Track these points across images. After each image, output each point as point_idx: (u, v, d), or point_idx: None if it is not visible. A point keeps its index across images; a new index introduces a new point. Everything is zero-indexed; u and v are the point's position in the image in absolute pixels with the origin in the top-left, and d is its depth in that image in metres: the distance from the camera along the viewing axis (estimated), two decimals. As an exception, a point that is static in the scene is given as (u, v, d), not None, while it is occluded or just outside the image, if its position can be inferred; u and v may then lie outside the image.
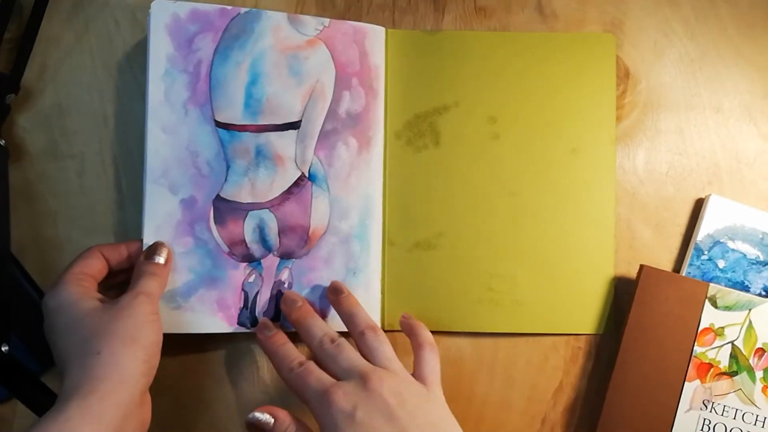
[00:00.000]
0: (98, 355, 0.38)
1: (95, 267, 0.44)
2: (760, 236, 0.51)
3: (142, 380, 0.39)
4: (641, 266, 0.50)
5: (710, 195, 0.51)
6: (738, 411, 0.49)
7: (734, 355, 0.49)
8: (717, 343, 0.49)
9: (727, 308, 0.49)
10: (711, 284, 0.49)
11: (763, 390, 0.49)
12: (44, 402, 0.44)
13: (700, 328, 0.49)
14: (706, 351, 0.49)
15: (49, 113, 0.51)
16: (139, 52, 0.52)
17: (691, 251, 0.51)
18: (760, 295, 0.50)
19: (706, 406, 0.49)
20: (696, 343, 0.49)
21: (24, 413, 0.47)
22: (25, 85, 0.51)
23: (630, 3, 0.54)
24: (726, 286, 0.50)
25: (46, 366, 0.50)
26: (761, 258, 0.51)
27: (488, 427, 0.51)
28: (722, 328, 0.49)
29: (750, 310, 0.49)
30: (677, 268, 0.52)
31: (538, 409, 0.51)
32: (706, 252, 0.51)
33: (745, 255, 0.51)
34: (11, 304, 0.46)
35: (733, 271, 0.51)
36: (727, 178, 0.53)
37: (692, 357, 0.49)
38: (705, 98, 0.53)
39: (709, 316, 0.49)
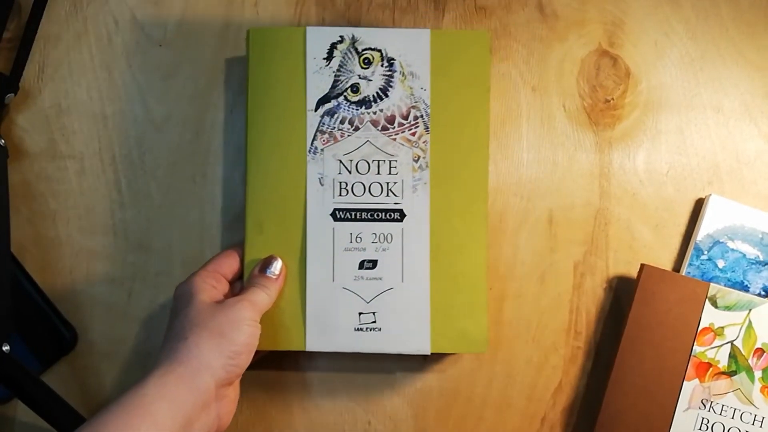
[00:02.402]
0: (185, 340, 0.40)
1: (227, 266, 0.46)
2: (760, 236, 0.51)
3: (220, 373, 0.40)
4: (642, 265, 0.50)
5: (710, 195, 0.51)
6: (736, 411, 0.49)
7: (733, 355, 0.49)
8: (716, 342, 0.49)
9: (727, 308, 0.49)
10: (711, 284, 0.49)
11: (762, 390, 0.49)
12: (45, 401, 0.45)
13: (700, 328, 0.49)
14: (706, 350, 0.49)
15: (49, 113, 0.51)
16: (139, 51, 0.52)
17: (690, 251, 0.51)
18: (759, 295, 0.50)
19: (705, 406, 0.49)
20: (695, 343, 0.49)
21: (25, 413, 0.47)
22: (24, 85, 0.51)
23: (631, 2, 0.54)
24: (725, 286, 0.50)
25: (47, 365, 0.50)
26: (761, 258, 0.51)
27: (488, 427, 0.51)
28: (722, 327, 0.49)
29: (750, 310, 0.49)
30: (677, 268, 0.52)
31: (538, 409, 0.52)
32: (705, 252, 0.51)
33: (744, 255, 0.51)
34: (12, 304, 0.46)
35: (733, 271, 0.51)
36: (727, 178, 0.53)
37: (691, 356, 0.49)
38: (705, 98, 0.53)
39: (709, 316, 0.49)
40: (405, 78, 0.48)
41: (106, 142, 0.51)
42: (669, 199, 0.53)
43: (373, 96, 0.48)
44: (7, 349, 0.45)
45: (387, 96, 0.48)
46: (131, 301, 0.51)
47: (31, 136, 0.51)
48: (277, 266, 0.46)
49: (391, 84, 0.48)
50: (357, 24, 0.53)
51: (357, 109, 0.48)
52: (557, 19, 0.53)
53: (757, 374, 0.49)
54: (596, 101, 0.53)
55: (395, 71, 0.48)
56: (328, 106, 0.48)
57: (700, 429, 0.49)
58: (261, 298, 0.44)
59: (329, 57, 0.48)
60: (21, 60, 0.50)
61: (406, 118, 0.48)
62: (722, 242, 0.51)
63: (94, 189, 0.51)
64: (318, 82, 0.47)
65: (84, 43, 0.52)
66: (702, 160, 0.53)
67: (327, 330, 0.47)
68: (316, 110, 0.47)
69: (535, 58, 0.53)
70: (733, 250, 0.51)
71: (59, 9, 0.52)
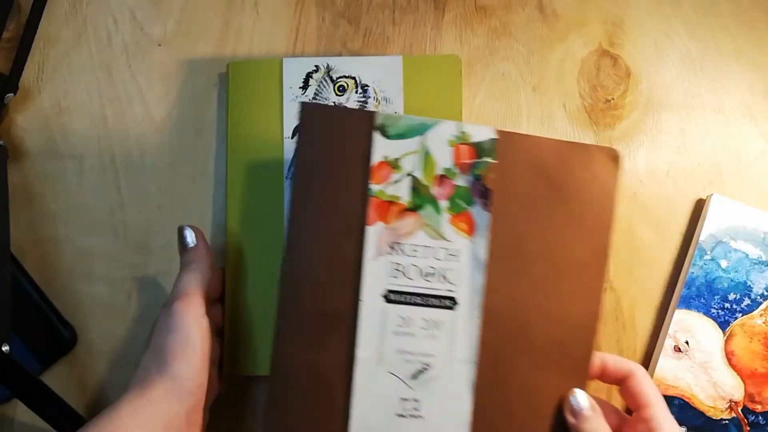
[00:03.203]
0: (154, 365, 0.40)
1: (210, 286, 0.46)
2: (762, 236, 0.51)
3: (188, 398, 0.40)
4: (301, 103, 0.43)
5: (712, 195, 0.51)
6: (429, 249, 0.42)
7: (415, 188, 0.42)
8: (394, 177, 0.42)
9: (400, 136, 0.42)
10: (379, 113, 0.43)
11: (451, 221, 0.42)
12: (45, 401, 0.45)
13: (374, 163, 0.42)
14: (384, 188, 0.42)
15: (48, 113, 0.52)
16: (139, 51, 0.52)
17: (693, 251, 0.51)
18: (762, 295, 0.50)
19: (394, 249, 0.42)
20: (371, 181, 0.42)
21: (25, 413, 0.47)
22: (24, 85, 0.51)
23: (631, 2, 0.54)
24: (729, 286, 0.50)
25: (47, 365, 0.50)
26: (763, 258, 0.50)
27: (488, 427, 0.51)
28: (397, 159, 0.42)
29: (424, 133, 0.43)
30: (678, 267, 0.52)
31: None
32: (708, 252, 0.51)
33: (747, 255, 0.51)
34: (11, 305, 0.46)
35: (736, 271, 0.51)
36: (727, 177, 0.53)
37: (370, 197, 0.42)
38: (706, 98, 0.53)
39: (382, 148, 0.42)
40: (379, 103, 0.50)
41: (106, 142, 0.51)
42: (669, 199, 0.52)
43: None
44: (6, 350, 0.45)
45: None
46: (131, 301, 0.51)
47: (31, 136, 0.51)
48: (189, 235, 0.44)
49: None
50: (357, 24, 0.53)
51: None
52: (557, 18, 0.53)
53: (443, 204, 0.42)
54: (596, 101, 0.53)
55: (369, 97, 0.50)
56: None
57: (394, 277, 0.42)
58: (188, 284, 0.43)
59: (305, 86, 0.50)
60: (21, 60, 0.50)
61: None
62: (725, 242, 0.51)
63: (94, 189, 0.51)
64: (294, 111, 0.49)
65: (84, 43, 0.52)
66: (702, 159, 0.53)
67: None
68: (292, 137, 0.49)
69: (535, 58, 0.53)
70: (735, 250, 0.51)
71: (59, 9, 0.52)
